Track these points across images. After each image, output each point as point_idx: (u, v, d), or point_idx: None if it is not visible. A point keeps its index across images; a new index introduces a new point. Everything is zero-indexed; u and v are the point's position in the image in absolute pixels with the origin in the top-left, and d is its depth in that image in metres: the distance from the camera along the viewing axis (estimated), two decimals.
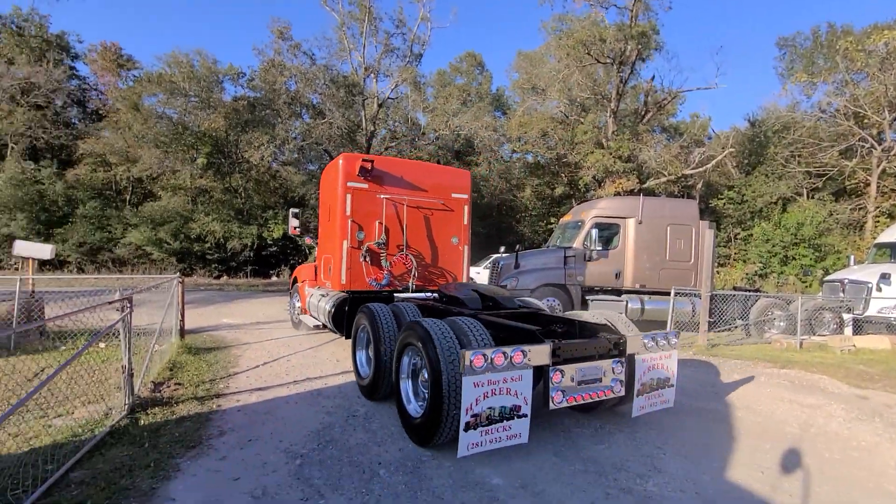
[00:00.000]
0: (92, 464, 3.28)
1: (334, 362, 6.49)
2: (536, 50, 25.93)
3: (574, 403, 3.63)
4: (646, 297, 10.26)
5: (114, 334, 7.04)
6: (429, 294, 6.78)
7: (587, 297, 10.23)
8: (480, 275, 18.35)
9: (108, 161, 25.21)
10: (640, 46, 21.28)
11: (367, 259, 6.77)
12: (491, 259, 16.63)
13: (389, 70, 20.27)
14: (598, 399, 3.78)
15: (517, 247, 10.47)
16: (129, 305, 4.27)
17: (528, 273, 10.15)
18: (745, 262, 22.50)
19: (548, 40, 23.35)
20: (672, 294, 8.93)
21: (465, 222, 7.68)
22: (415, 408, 3.95)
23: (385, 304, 5.28)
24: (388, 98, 21.83)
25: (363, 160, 6.75)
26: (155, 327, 7.16)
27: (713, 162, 22.94)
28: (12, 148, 25.03)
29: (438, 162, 25.98)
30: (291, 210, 9.25)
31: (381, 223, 6.84)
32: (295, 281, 9.55)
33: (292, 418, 4.32)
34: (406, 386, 4.14)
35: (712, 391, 5.74)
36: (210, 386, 5.19)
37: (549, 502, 2.96)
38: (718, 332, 10.00)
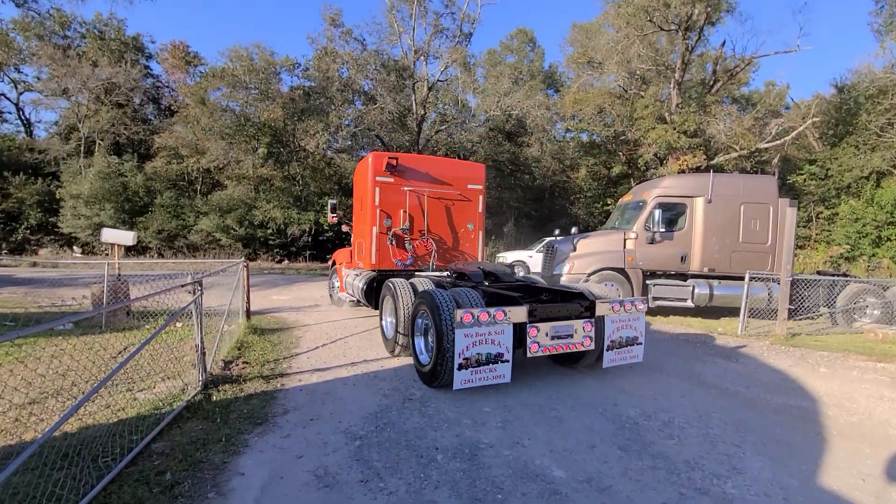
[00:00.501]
0: (171, 436, 3.51)
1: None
2: (593, 21, 24.56)
3: (549, 353, 4.58)
4: (715, 282, 9.57)
5: (187, 315, 7.57)
6: (443, 272, 7.51)
7: (648, 282, 9.69)
8: (533, 258, 17.95)
9: (180, 154, 27.04)
10: (708, 9, 19.53)
11: (394, 242, 7.75)
12: (544, 243, 16.20)
13: (439, 52, 20.01)
14: (570, 350, 4.69)
15: (573, 229, 10.07)
16: (199, 288, 4.50)
17: (585, 257, 9.75)
18: (828, 243, 20.43)
19: (605, 9, 22.01)
20: (747, 279, 8.22)
21: (480, 210, 8.45)
22: (425, 357, 4.96)
23: (405, 279, 6.15)
24: (438, 80, 21.61)
25: (389, 157, 7.68)
26: (224, 308, 7.61)
27: (793, 134, 20.85)
28: (99, 144, 27.45)
29: (489, 143, 25.56)
30: (329, 201, 10.25)
31: (405, 211, 7.76)
32: (333, 263, 10.71)
33: (351, 399, 4.40)
34: (419, 341, 5.18)
35: (795, 385, 5.23)
36: (274, 366, 5.42)
37: (617, 499, 2.80)
38: (798, 320, 9.14)
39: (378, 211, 7.67)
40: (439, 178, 8.18)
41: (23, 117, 32.80)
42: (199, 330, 4.48)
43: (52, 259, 21.86)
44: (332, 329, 7.70)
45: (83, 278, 14.37)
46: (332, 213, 10.12)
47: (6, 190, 24.61)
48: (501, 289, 5.62)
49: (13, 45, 28.66)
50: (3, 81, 31.77)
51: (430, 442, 3.50)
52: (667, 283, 9.66)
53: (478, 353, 4.24)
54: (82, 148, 27.44)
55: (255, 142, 24.78)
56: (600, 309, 4.84)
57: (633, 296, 9.56)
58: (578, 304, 4.83)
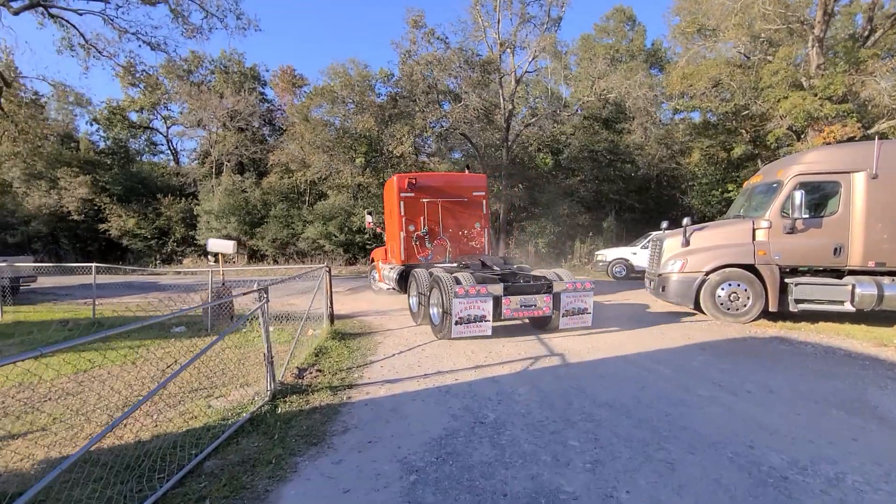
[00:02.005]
0: (226, 452, 3.36)
1: (468, 355, 6.04)
2: None
3: (519, 317, 6.76)
4: (886, 280, 7.44)
5: (282, 319, 7.81)
6: (454, 264, 9.16)
7: (788, 281, 7.86)
8: (637, 255, 16.15)
9: (290, 168, 29.58)
10: None
11: (417, 243, 9.89)
12: (649, 237, 14.43)
13: (526, 41, 19.06)
14: (534, 315, 6.85)
15: (685, 221, 8.59)
16: (265, 296, 4.41)
17: (702, 252, 8.25)
18: None
19: None
20: None
21: (485, 212, 10.45)
22: (436, 319, 7.01)
23: (425, 270, 8.10)
24: (527, 72, 20.63)
25: (409, 178, 9.96)
26: (316, 312, 7.72)
27: None
28: (226, 165, 31.18)
29: (584, 132, 23.85)
30: (367, 210, 12.93)
31: (424, 218, 9.89)
32: (372, 260, 13.28)
33: (416, 419, 3.95)
34: (433, 310, 7.25)
35: None
36: (346, 375, 5.21)
37: None
38: None
39: (403, 220, 9.79)
40: (450, 189, 10.18)
41: (171, 147, 38.75)
42: (266, 338, 4.38)
43: (174, 268, 25.21)
44: (411, 335, 7.40)
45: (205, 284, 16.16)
46: (368, 218, 12.73)
47: (159, 209, 29.04)
48: (490, 274, 7.47)
49: (161, 87, 33.90)
50: (157, 119, 37.91)
51: (498, 484, 2.88)
52: (815, 281, 7.75)
53: (468, 314, 6.36)
54: (213, 169, 31.42)
55: (352, 152, 26.11)
56: (557, 287, 6.90)
57: (766, 299, 7.87)
58: (541, 283, 6.97)
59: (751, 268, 8.01)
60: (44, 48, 54.86)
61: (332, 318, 7.73)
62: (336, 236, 25.04)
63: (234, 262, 28.01)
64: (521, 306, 6.63)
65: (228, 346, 6.86)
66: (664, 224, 9.78)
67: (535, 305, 6.71)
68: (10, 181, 29.04)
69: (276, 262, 27.00)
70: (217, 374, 5.56)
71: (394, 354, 6.15)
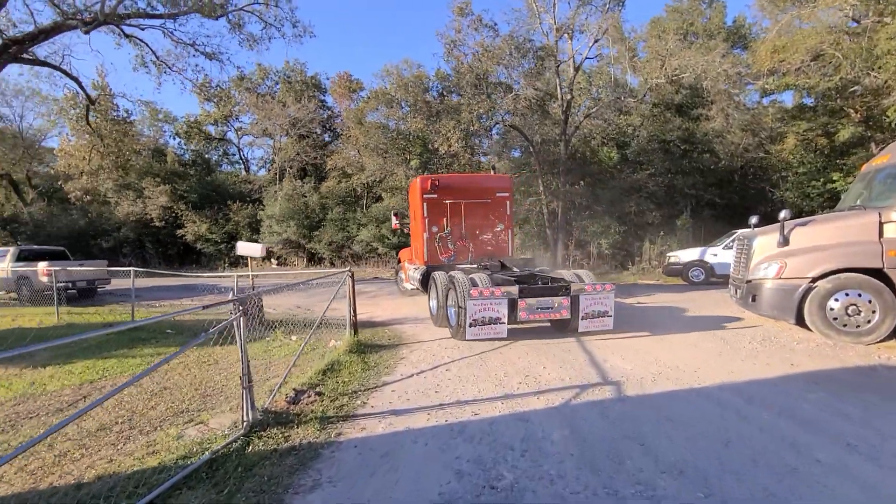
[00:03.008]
0: None
1: (498, 379, 5.01)
2: None
3: (535, 319, 6.70)
4: None
5: (308, 326, 7.23)
6: (474, 265, 9.20)
7: None
8: (718, 257, 14.04)
9: (346, 172, 29.99)
10: None
11: (440, 244, 9.84)
12: (734, 236, 12.38)
13: (586, 24, 17.46)
14: (551, 318, 6.77)
15: (782, 214, 6.88)
16: (240, 308, 3.70)
17: (808, 253, 6.53)
18: None
19: None
20: None
21: (508, 213, 10.34)
22: (453, 321, 7.02)
23: (445, 271, 8.09)
24: (587, 59, 18.98)
25: (432, 179, 9.98)
26: (342, 321, 7.06)
27: None
28: (288, 171, 32.30)
29: (653, 121, 21.64)
30: (393, 210, 13.18)
31: (446, 219, 9.83)
32: (399, 260, 13.49)
33: (410, 472, 3.03)
34: (451, 310, 7.18)
35: None
36: (348, 401, 4.40)
37: None
38: None
39: (426, 221, 9.80)
40: (473, 190, 10.16)
41: (242, 157, 41.08)
42: (243, 358, 3.68)
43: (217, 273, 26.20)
44: (440, 349, 6.48)
45: (261, 287, 16.36)
46: (395, 220, 12.91)
47: (228, 215, 30.66)
48: (507, 276, 7.58)
49: (232, 100, 35.97)
50: (230, 131, 40.34)
51: None
52: None
53: (482, 316, 6.23)
54: (277, 176, 32.69)
55: (406, 154, 25.79)
56: (575, 289, 6.63)
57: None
58: (558, 285, 6.72)
59: (877, 273, 6.19)
60: (122, 67, 60.78)
61: (356, 327, 7.02)
62: (389, 239, 24.80)
63: (293, 265, 28.86)
64: (537, 308, 6.51)
65: (254, 356, 6.35)
66: (754, 219, 7.98)
67: (552, 308, 6.56)
68: (104, 192, 32.11)
69: (332, 264, 27.38)
70: (216, 390, 5.00)
71: (412, 375, 5.27)
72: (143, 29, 16.09)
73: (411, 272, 11.11)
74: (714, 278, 14.10)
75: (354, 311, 6.95)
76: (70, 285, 14.81)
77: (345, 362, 5.70)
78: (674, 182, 21.15)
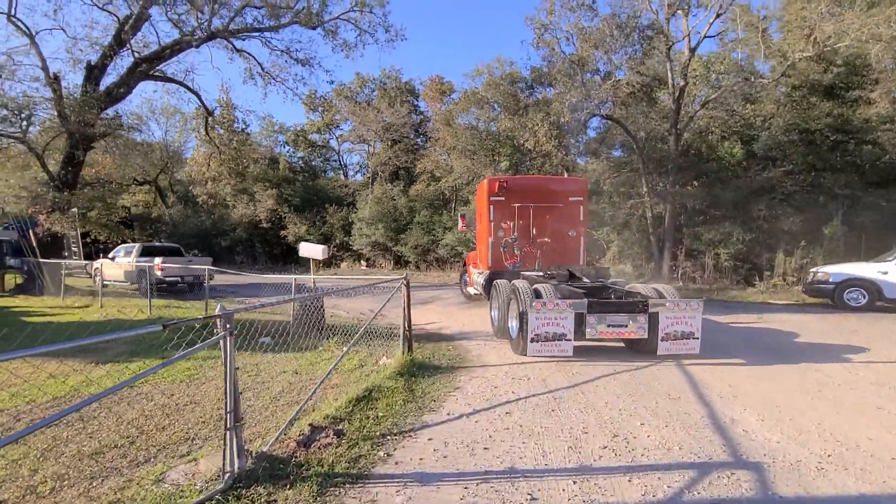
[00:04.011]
0: None
1: (575, 436, 3.69)
2: None
3: (604, 337, 6.11)
4: None
5: (365, 336, 6.50)
6: (540, 272, 8.46)
7: None
8: (889, 275, 10.80)
9: (435, 175, 29.81)
10: None
11: (505, 249, 9.35)
12: None
13: None
14: (622, 337, 6.07)
15: None
16: (228, 326, 2.92)
17: None
18: None
19: None
20: None
21: (581, 219, 9.74)
22: (514, 333, 6.48)
23: (508, 280, 7.46)
24: (706, 36, 16.20)
25: (500, 181, 9.55)
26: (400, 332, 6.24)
27: None
28: (379, 175, 33.09)
29: (792, 108, 17.91)
30: (460, 213, 12.89)
31: (514, 223, 9.34)
32: (465, 264, 13.21)
33: None
34: (512, 323, 6.68)
35: None
36: (369, 450, 3.43)
37: None
38: None
39: (492, 224, 9.45)
40: (544, 193, 9.69)
41: (341, 162, 43.30)
42: (229, 388, 2.89)
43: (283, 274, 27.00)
44: (505, 381, 5.27)
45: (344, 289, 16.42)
46: (462, 223, 12.77)
47: (325, 218, 32.24)
48: (576, 287, 7.01)
49: (334, 108, 38.04)
50: (332, 138, 42.76)
51: None
52: None
53: (546, 331, 5.87)
54: (371, 180, 33.68)
55: (495, 154, 24.75)
56: (653, 306, 5.97)
57: None
58: (634, 301, 6.10)
59: None
60: (235, 82, 67.85)
61: (410, 343, 6.09)
62: (474, 244, 23.88)
63: (381, 267, 29.32)
64: (608, 326, 5.92)
65: (294, 370, 5.78)
66: None
67: (626, 326, 5.94)
68: (224, 196, 35.79)
69: (417, 267, 27.27)
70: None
71: (462, 416, 4.16)
72: (244, 39, 17.08)
73: (475, 276, 10.80)
74: (882, 302, 10.90)
75: (409, 324, 6.03)
76: (180, 279, 16.17)
77: (386, 389, 4.78)
78: (819, 181, 17.22)
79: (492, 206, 9.47)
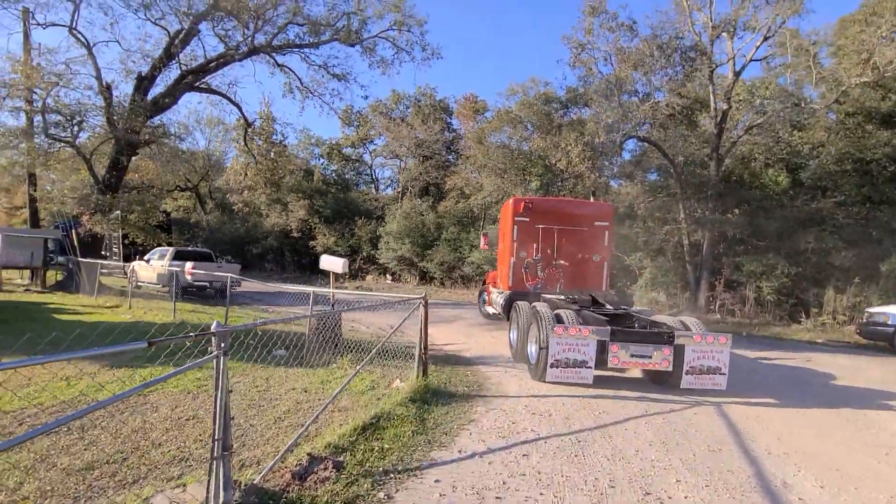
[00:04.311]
0: None
1: (601, 491, 3.27)
2: None
3: (626, 367, 6.02)
4: None
5: (380, 354, 6.26)
6: (562, 297, 8.26)
7: None
8: None
9: (465, 192, 29.72)
10: None
11: (527, 270, 9.22)
12: None
13: (754, 19, 14.21)
14: (646, 368, 6.03)
15: None
16: (223, 345, 2.71)
17: None
18: None
19: None
20: None
21: (606, 244, 9.68)
22: (533, 357, 6.37)
23: (529, 302, 7.46)
24: (753, 60, 15.56)
25: (525, 201, 9.51)
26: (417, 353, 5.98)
27: None
28: (409, 190, 33.29)
29: (845, 136, 16.90)
30: (483, 231, 12.37)
31: (537, 245, 9.23)
32: (485, 282, 12.92)
33: None
34: (531, 347, 6.58)
35: None
36: (368, 489, 3.12)
37: None
38: None
39: (515, 244, 9.34)
40: (570, 216, 9.55)
41: (373, 176, 43.90)
42: (219, 413, 2.66)
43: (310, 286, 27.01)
44: (525, 416, 4.87)
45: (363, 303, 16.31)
46: (483, 241, 13.01)
47: (353, 230, 32.57)
48: (599, 313, 6.78)
49: (369, 123, 38.82)
50: (366, 153, 43.51)
51: None
52: None
53: (566, 357, 5.71)
54: (401, 194, 33.92)
55: (525, 174, 24.48)
56: (680, 338, 5.74)
57: None
58: (660, 332, 5.89)
59: None
60: (275, 96, 69.99)
61: (426, 366, 5.78)
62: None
63: (406, 282, 29.22)
64: (631, 356, 5.73)
65: (304, 388, 5.56)
66: None
67: (650, 357, 5.74)
68: (259, 205, 36.78)
69: (442, 284, 27.02)
70: (239, 431, 4.16)
71: (474, 455, 3.80)
72: (284, 54, 17.56)
73: (495, 296, 10.67)
74: None
75: (425, 346, 5.73)
76: (208, 285, 16.46)
77: (396, 417, 4.48)
78: (875, 214, 16.05)
79: (516, 226, 9.39)
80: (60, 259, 18.59)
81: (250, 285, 18.31)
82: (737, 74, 15.42)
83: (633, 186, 22.51)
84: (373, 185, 43.99)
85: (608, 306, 7.56)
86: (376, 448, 3.77)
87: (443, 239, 27.65)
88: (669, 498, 3.19)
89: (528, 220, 9.34)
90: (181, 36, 16.90)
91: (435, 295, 23.87)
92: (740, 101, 18.32)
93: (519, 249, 9.36)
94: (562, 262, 9.37)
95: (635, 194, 21.30)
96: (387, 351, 6.22)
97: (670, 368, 5.75)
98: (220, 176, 41.00)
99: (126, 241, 21.76)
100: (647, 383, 6.54)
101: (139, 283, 17.31)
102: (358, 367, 4.92)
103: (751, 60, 15.50)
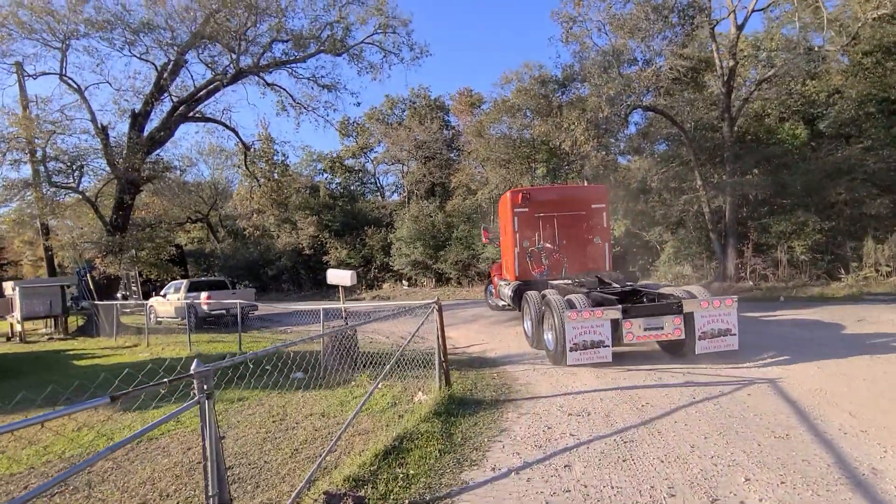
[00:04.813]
0: None
1: (659, 501, 2.83)
2: None
3: (642, 341, 6.11)
4: None
5: (401, 365, 5.90)
6: (569, 281, 8.43)
7: None
8: None
9: (471, 188, 29.26)
10: None
11: (531, 259, 9.53)
12: None
13: None
14: (660, 339, 6.17)
15: None
16: (206, 387, 2.36)
17: None
18: None
19: None
20: None
21: (605, 226, 9.91)
22: (550, 345, 6.61)
23: (538, 290, 7.79)
24: (755, 10, 14.77)
25: (523, 193, 9.79)
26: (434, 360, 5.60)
27: None
28: (415, 193, 32.97)
29: (864, 78, 15.97)
30: (482, 226, 12.75)
31: (539, 233, 9.54)
32: (490, 275, 13.36)
33: None
34: (547, 334, 6.79)
35: None
36: None
37: None
38: None
39: (517, 236, 9.50)
40: (567, 202, 9.80)
41: (378, 184, 43.74)
42: (210, 467, 2.31)
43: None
44: (560, 417, 4.44)
45: (383, 312, 16.01)
46: (485, 236, 13.27)
47: (364, 240, 32.39)
48: (607, 293, 6.96)
49: (367, 132, 38.67)
50: (368, 162, 43.37)
51: None
52: None
53: (583, 340, 5.89)
54: (407, 199, 33.63)
55: (530, 161, 23.95)
56: (688, 306, 5.95)
57: None
58: (668, 303, 6.08)
59: None
60: (269, 115, 70.54)
61: (447, 375, 5.39)
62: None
63: (422, 286, 28.90)
64: (644, 329, 6.01)
65: (321, 413, 5.22)
66: None
67: (662, 328, 6.01)
68: (268, 227, 36.93)
69: (459, 284, 26.63)
70: (245, 473, 3.84)
71: (510, 472, 3.39)
72: (272, 72, 17.39)
73: (502, 288, 11.04)
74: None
75: (444, 354, 5.34)
76: (226, 312, 16.36)
77: (420, 435, 4.09)
78: None
79: (516, 217, 9.61)
80: (85, 304, 18.77)
81: (268, 308, 18.26)
82: (739, 28, 14.65)
83: (642, 161, 21.79)
84: (378, 194, 43.85)
85: (615, 285, 7.72)
86: (401, 475, 3.39)
87: (454, 238, 27.22)
88: (742, 503, 2.74)
89: (527, 210, 9.56)
90: (170, 68, 16.87)
91: (453, 296, 23.51)
92: (745, 56, 17.49)
93: (522, 240, 9.56)
94: (565, 247, 9.58)
95: (647, 167, 20.57)
96: (407, 360, 5.85)
97: (683, 336, 5.99)
98: (226, 203, 41.31)
99: (142, 279, 21.96)
100: (675, 358, 6.13)
101: (159, 319, 17.34)
102: (373, 386, 4.56)
103: (753, 11, 14.71)
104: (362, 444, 4.19)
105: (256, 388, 6.49)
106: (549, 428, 4.19)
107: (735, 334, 5.99)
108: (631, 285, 7.69)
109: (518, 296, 9.10)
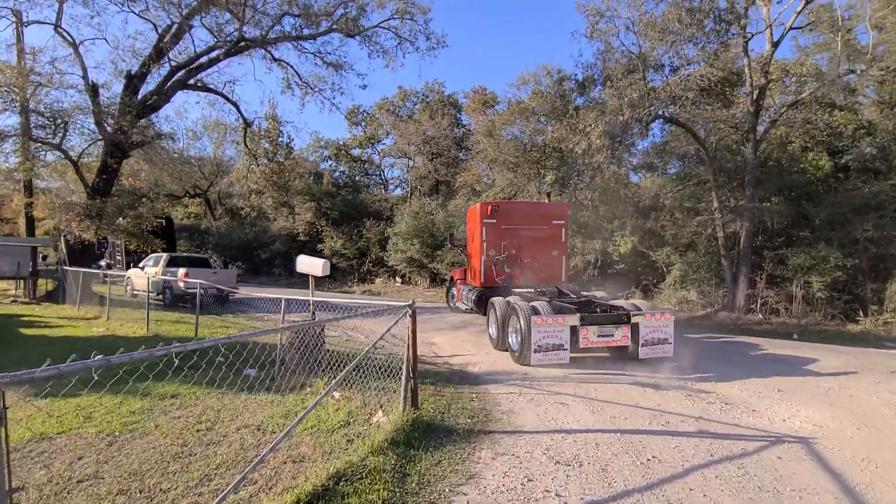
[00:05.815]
0: None
1: None
2: None
3: (596, 346, 6.96)
4: None
5: (371, 369, 5.00)
6: (532, 289, 9.30)
7: None
8: None
9: (475, 189, 28.39)
10: None
11: (496, 267, 10.24)
12: None
13: None
14: (612, 345, 7.05)
15: None
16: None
17: None
18: None
19: None
20: None
21: (563, 240, 10.74)
22: (515, 346, 7.20)
23: (502, 296, 8.44)
24: (792, 28, 13.89)
25: (492, 205, 10.36)
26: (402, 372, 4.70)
27: None
28: (418, 189, 32.11)
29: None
30: (450, 233, 15.37)
31: (504, 244, 10.17)
32: (452, 279, 13.90)
33: None
34: (512, 337, 7.39)
35: None
36: None
37: None
38: None
39: (484, 244, 10.14)
40: (530, 217, 10.66)
41: (382, 176, 42.89)
42: None
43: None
44: (547, 466, 3.55)
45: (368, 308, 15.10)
46: (451, 240, 14.28)
47: (361, 232, 31.51)
48: (566, 302, 7.91)
49: (376, 122, 37.84)
50: (375, 153, 42.53)
51: None
52: None
53: (546, 343, 6.56)
54: (410, 193, 32.76)
55: (539, 167, 23.09)
56: (635, 317, 6.94)
57: None
58: (618, 314, 7.08)
59: None
60: (275, 94, 69.69)
61: (415, 393, 4.49)
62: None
63: (416, 284, 28.01)
64: (598, 336, 6.80)
65: (236, 426, 4.32)
66: None
67: (613, 335, 6.86)
68: (266, 209, 36.08)
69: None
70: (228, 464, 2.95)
71: None
72: (277, 47, 16.55)
73: (464, 292, 11.66)
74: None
75: (413, 368, 4.44)
76: (203, 291, 15.46)
77: (366, 474, 3.20)
78: None
79: (484, 227, 10.11)
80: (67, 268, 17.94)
81: (249, 291, 17.36)
82: (774, 45, 13.74)
83: (656, 178, 20.91)
84: (382, 186, 42.99)
85: (572, 295, 8.67)
86: None
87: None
88: None
89: (495, 221, 10.09)
90: (172, 31, 16.03)
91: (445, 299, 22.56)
92: (773, 80, 16.59)
93: (488, 248, 10.10)
94: (527, 257, 10.22)
95: (661, 184, 19.66)
96: (374, 368, 4.96)
97: (629, 343, 6.93)
98: (223, 179, 40.41)
99: (128, 249, 21.08)
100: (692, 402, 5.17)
101: (135, 292, 16.48)
102: (318, 398, 3.66)
103: (790, 28, 13.81)
104: (291, 475, 3.29)
105: (198, 384, 5.59)
106: (529, 480, 3.29)
107: (671, 343, 7.00)
108: (586, 296, 8.61)
109: (482, 301, 9.95)
